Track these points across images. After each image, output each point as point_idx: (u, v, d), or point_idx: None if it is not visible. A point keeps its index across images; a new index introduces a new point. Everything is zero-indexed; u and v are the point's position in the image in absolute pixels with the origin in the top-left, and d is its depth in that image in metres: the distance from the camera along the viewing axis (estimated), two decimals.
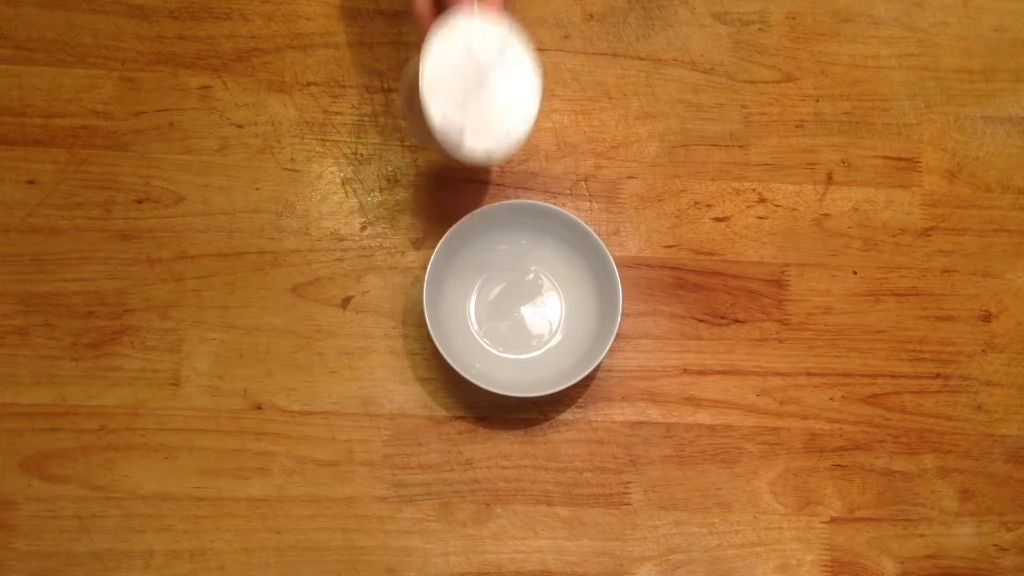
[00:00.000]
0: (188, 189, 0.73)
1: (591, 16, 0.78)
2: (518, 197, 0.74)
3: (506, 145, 0.63)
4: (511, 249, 0.72)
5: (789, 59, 0.78)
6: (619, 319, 0.68)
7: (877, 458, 0.72)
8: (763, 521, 0.71)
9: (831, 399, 0.73)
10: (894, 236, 0.76)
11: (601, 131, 0.76)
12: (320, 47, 0.76)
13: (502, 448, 0.71)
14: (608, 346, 0.68)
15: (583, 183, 0.75)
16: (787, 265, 0.75)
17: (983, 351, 0.75)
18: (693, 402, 0.72)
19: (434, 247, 0.69)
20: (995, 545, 0.72)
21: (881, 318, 0.75)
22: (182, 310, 0.71)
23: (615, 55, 0.78)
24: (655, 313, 0.74)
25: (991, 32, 0.79)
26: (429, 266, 0.68)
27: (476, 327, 0.71)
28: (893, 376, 0.74)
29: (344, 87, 0.76)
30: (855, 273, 0.75)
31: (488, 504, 0.70)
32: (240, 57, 0.75)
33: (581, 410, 0.72)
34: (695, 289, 0.74)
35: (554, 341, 0.72)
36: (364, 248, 0.73)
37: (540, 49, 0.77)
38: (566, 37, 0.78)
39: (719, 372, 0.73)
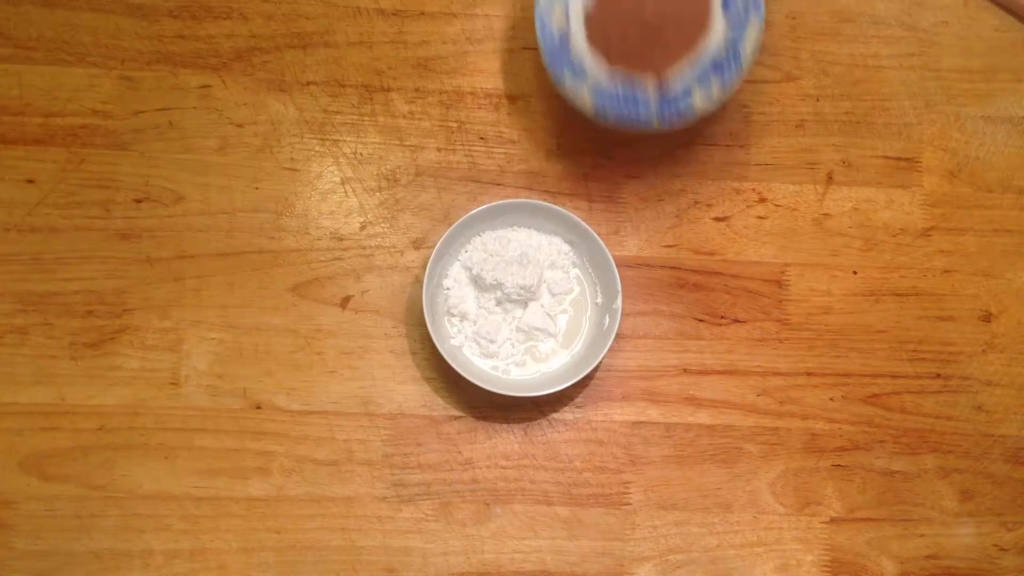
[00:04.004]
0: (188, 188, 0.73)
1: None
2: (518, 197, 0.74)
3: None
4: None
5: (789, 59, 0.78)
6: (619, 319, 0.68)
7: (877, 458, 0.72)
8: (763, 521, 0.71)
9: (831, 399, 0.73)
10: (894, 236, 0.76)
11: (601, 130, 0.76)
12: (320, 47, 0.76)
13: (502, 448, 0.71)
14: (608, 346, 0.68)
15: (583, 183, 0.75)
16: (787, 265, 0.75)
17: (983, 351, 0.74)
18: (693, 402, 0.72)
19: (433, 247, 0.69)
20: (995, 545, 0.72)
21: (881, 318, 0.74)
22: (181, 309, 0.71)
23: None
24: (655, 313, 0.73)
25: (992, 32, 0.79)
26: (428, 265, 0.68)
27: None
28: (893, 376, 0.74)
29: (344, 87, 0.76)
30: (855, 273, 0.75)
31: (488, 504, 0.70)
32: (240, 56, 0.75)
33: (581, 410, 0.72)
34: (695, 289, 0.74)
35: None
36: (363, 248, 0.73)
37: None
38: None
39: (719, 372, 0.73)
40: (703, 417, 0.72)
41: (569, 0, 0.67)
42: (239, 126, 0.74)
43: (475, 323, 0.71)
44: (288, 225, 0.73)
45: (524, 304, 0.71)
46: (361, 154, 0.75)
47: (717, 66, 0.65)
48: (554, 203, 0.71)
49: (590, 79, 0.65)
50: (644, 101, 0.63)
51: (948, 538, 0.72)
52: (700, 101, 0.65)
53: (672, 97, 0.65)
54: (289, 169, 0.74)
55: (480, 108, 0.76)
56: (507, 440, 0.71)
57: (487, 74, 0.76)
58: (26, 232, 0.72)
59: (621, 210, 0.75)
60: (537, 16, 0.68)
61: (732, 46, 0.66)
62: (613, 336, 0.68)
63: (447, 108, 0.76)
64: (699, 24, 0.65)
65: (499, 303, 0.71)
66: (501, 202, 0.70)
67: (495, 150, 0.75)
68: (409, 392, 0.71)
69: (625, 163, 0.76)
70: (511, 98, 0.76)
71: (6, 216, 0.72)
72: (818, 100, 0.78)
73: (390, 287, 0.73)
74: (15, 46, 0.74)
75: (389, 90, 0.76)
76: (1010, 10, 0.80)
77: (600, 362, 0.68)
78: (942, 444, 0.73)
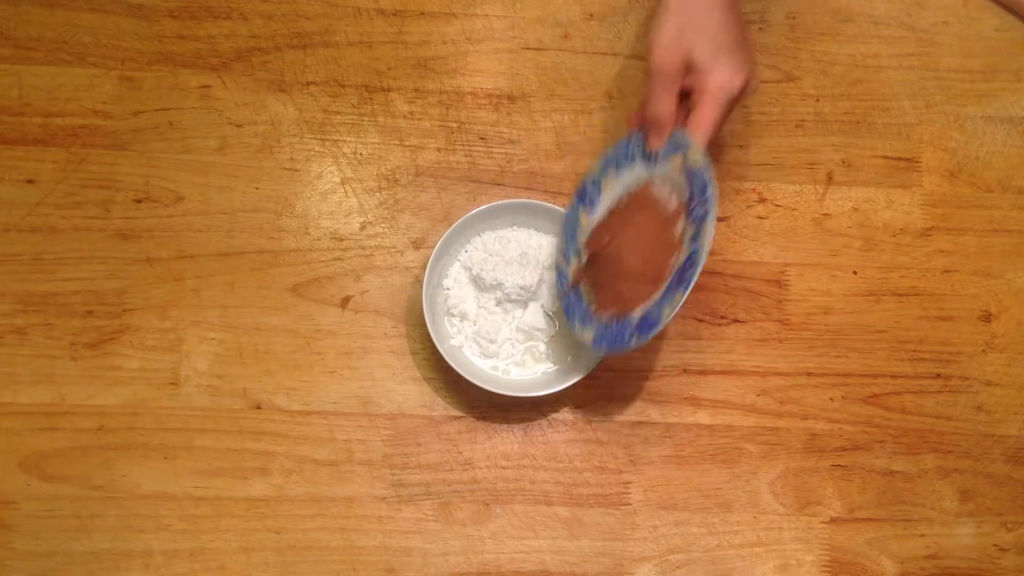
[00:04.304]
0: (187, 188, 0.73)
1: (591, 16, 0.78)
2: (518, 197, 0.74)
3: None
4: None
5: (789, 59, 0.78)
6: None
7: (877, 458, 0.72)
8: (763, 521, 0.71)
9: (831, 399, 0.73)
10: (894, 236, 0.76)
11: (601, 131, 0.76)
12: (320, 47, 0.76)
13: (502, 448, 0.71)
14: None
15: None
16: (787, 265, 0.75)
17: (983, 351, 0.74)
18: (693, 402, 0.72)
19: (433, 247, 0.69)
20: (995, 545, 0.72)
21: (881, 318, 0.74)
22: (181, 310, 0.71)
23: (615, 55, 0.77)
24: None
25: (991, 32, 0.79)
26: (428, 265, 0.68)
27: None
28: (893, 376, 0.74)
29: (344, 87, 0.76)
30: (855, 273, 0.75)
31: (487, 504, 0.70)
32: (240, 56, 0.75)
33: (581, 410, 0.72)
34: (695, 289, 0.74)
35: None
36: (363, 248, 0.73)
37: (540, 49, 0.77)
38: (566, 37, 0.78)
39: (719, 372, 0.73)
40: (703, 417, 0.72)
41: (583, 251, 0.68)
42: (239, 126, 0.74)
43: (475, 323, 0.71)
44: (288, 225, 0.73)
45: (524, 304, 0.71)
46: (361, 154, 0.75)
47: (680, 279, 0.63)
48: (554, 203, 0.71)
49: (595, 322, 0.66)
50: (629, 329, 0.64)
51: (948, 538, 0.72)
52: (667, 314, 0.62)
53: (649, 320, 0.64)
54: (289, 169, 0.74)
55: (480, 108, 0.76)
56: (507, 440, 0.71)
57: (487, 74, 0.76)
58: (26, 232, 0.72)
59: None
60: (556, 268, 0.70)
61: (692, 254, 0.63)
62: None
63: (447, 108, 0.76)
64: (670, 248, 0.65)
65: (499, 303, 0.71)
66: (501, 202, 0.70)
67: (495, 150, 0.75)
68: (409, 392, 0.71)
69: None
70: (511, 98, 0.76)
71: (6, 216, 0.72)
72: (818, 100, 0.78)
73: (390, 287, 0.73)
74: (15, 46, 0.74)
75: (389, 90, 0.76)
76: (1010, 10, 0.80)
77: (600, 362, 0.68)
78: (942, 444, 0.73)
